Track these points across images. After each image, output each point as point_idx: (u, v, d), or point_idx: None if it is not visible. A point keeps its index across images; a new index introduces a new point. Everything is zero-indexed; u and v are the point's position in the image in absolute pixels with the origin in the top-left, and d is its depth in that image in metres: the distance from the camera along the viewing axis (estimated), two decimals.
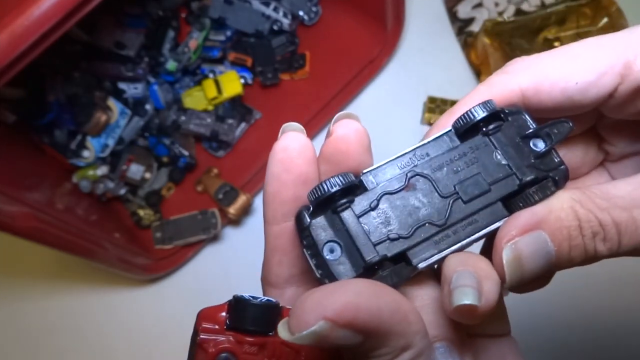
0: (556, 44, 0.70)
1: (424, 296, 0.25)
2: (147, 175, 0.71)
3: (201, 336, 0.22)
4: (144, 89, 0.70)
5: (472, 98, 0.26)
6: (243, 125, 0.74)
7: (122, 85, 0.69)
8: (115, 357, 0.69)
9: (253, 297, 0.23)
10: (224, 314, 0.23)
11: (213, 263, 0.71)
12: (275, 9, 0.74)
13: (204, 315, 0.23)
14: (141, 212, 0.71)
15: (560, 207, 0.23)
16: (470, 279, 0.22)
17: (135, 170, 0.69)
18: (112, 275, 0.67)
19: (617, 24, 0.68)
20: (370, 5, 0.73)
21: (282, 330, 0.20)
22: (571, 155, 0.29)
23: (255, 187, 0.72)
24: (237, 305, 0.23)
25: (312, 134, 0.74)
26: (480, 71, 0.74)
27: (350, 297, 0.20)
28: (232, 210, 0.68)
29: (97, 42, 0.68)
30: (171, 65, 0.71)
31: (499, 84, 0.26)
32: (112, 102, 0.67)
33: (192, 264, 0.71)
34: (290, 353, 0.23)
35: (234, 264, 0.71)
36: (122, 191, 0.70)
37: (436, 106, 0.73)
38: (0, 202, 0.46)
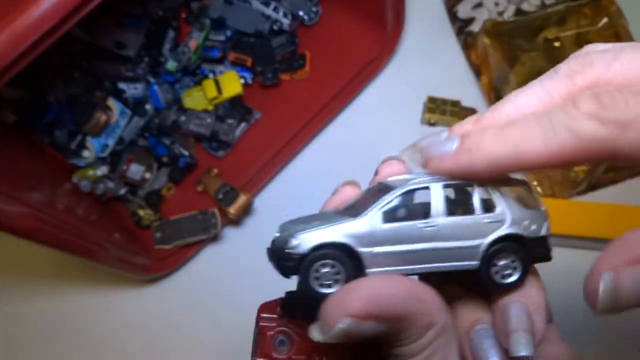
0: (556, 44, 0.70)
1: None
2: (147, 175, 0.71)
3: (261, 324, 0.27)
4: (144, 89, 0.70)
5: None
6: (243, 125, 0.74)
7: (122, 85, 0.69)
8: (115, 357, 0.69)
9: (304, 293, 0.26)
10: (278, 306, 0.28)
11: (213, 263, 0.71)
12: (275, 9, 0.74)
13: (262, 308, 0.28)
14: (141, 212, 0.71)
15: None
16: (525, 320, 0.24)
17: (135, 170, 0.69)
18: (112, 275, 0.67)
19: (617, 24, 0.68)
20: (370, 6, 0.73)
21: (314, 333, 0.22)
22: None
23: (255, 187, 0.72)
24: (289, 297, 0.28)
25: (312, 134, 0.74)
26: (480, 71, 0.74)
27: (366, 292, 0.22)
28: (232, 210, 0.68)
29: (97, 42, 0.68)
30: (171, 65, 0.71)
31: (590, 140, 0.22)
32: (112, 102, 0.67)
33: (192, 264, 0.71)
34: None
35: (234, 264, 0.71)
36: (122, 191, 0.70)
37: (436, 106, 0.73)
38: (0, 202, 0.46)
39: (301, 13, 0.76)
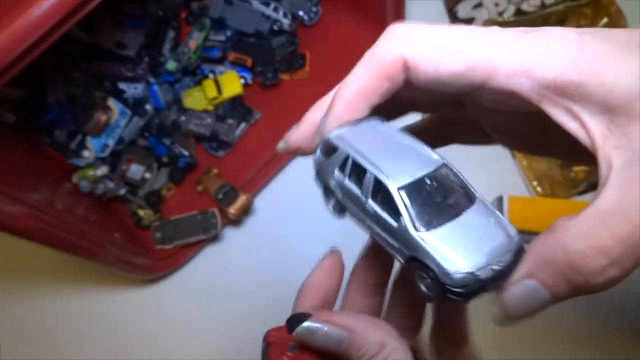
0: None
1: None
2: (147, 175, 0.71)
3: (273, 338, 0.30)
4: (144, 89, 0.70)
5: (360, 74, 0.29)
6: (243, 125, 0.74)
7: (122, 85, 0.69)
8: (115, 356, 0.69)
9: (304, 314, 0.30)
10: (285, 328, 0.31)
11: (213, 263, 0.71)
12: (275, 9, 0.74)
13: (270, 331, 0.31)
14: (141, 212, 0.71)
15: (552, 249, 0.22)
16: None
17: (135, 170, 0.69)
18: (112, 275, 0.67)
19: (617, 24, 0.68)
20: (370, 5, 0.73)
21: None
22: None
23: (255, 187, 0.72)
24: (291, 319, 0.30)
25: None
26: None
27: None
28: (232, 210, 0.68)
29: (97, 42, 0.68)
30: (171, 65, 0.71)
31: (384, 54, 0.27)
32: (112, 102, 0.66)
33: (192, 264, 0.71)
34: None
35: (234, 264, 0.71)
36: (122, 191, 0.70)
37: None
38: (0, 202, 0.46)
39: (301, 13, 0.76)
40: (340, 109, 0.28)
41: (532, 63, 0.23)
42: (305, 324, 0.29)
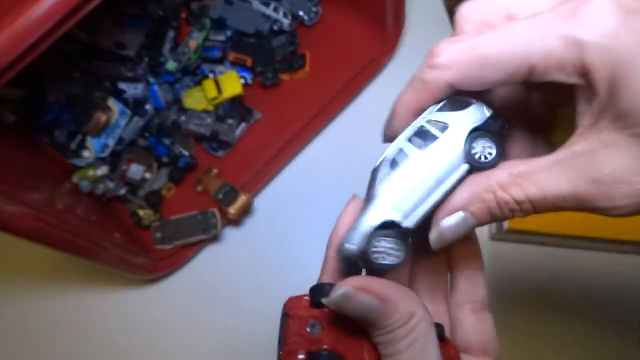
0: None
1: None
2: (147, 175, 0.71)
3: (295, 311, 0.30)
4: (144, 89, 0.70)
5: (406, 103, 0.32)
6: (243, 125, 0.74)
7: (122, 85, 0.69)
8: (115, 357, 0.69)
9: (329, 284, 0.30)
10: (307, 298, 0.30)
11: (213, 263, 0.71)
12: (275, 9, 0.74)
13: (291, 299, 0.30)
14: (141, 212, 0.71)
15: (485, 190, 0.28)
16: None
17: (135, 170, 0.69)
18: (112, 275, 0.67)
19: None
20: (370, 5, 0.73)
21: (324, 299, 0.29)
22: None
23: (255, 187, 0.72)
24: (315, 288, 0.31)
25: (312, 134, 0.74)
26: None
27: (359, 277, 0.29)
28: (232, 210, 0.68)
29: (97, 42, 0.68)
30: (171, 65, 0.71)
31: (431, 82, 0.30)
32: (112, 102, 0.67)
33: (192, 264, 0.71)
34: (356, 326, 0.30)
35: (234, 264, 0.71)
36: (122, 191, 0.70)
37: None
38: (0, 202, 0.46)
39: (301, 13, 0.76)
40: (395, 124, 0.32)
41: (569, 56, 0.25)
42: (342, 290, 0.28)
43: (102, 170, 0.67)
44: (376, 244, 0.30)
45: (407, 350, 0.28)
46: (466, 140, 0.29)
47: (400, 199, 0.30)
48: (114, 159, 0.69)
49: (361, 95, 0.76)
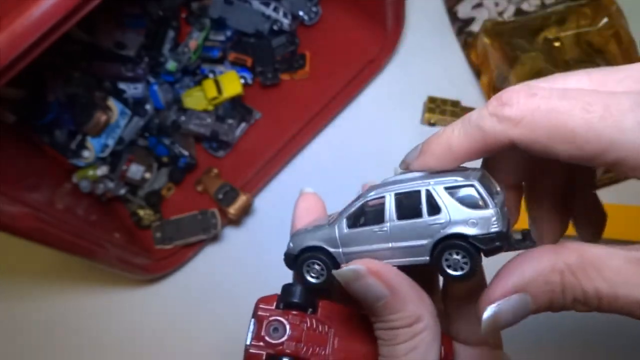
0: (556, 44, 0.70)
1: None
2: (147, 175, 0.71)
3: (259, 313, 0.30)
4: (144, 89, 0.70)
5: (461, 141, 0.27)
6: (243, 125, 0.74)
7: (122, 85, 0.69)
8: (115, 356, 0.69)
9: (298, 284, 0.31)
10: (274, 301, 0.31)
11: (213, 263, 0.71)
12: (275, 9, 0.74)
13: (260, 300, 0.31)
14: (141, 212, 0.71)
15: (551, 270, 0.24)
16: None
17: (135, 170, 0.69)
18: (112, 275, 0.67)
19: (617, 24, 0.68)
20: (370, 5, 0.73)
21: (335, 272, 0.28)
22: None
23: (255, 187, 0.72)
24: (285, 288, 0.31)
25: (312, 134, 0.74)
26: (480, 71, 0.74)
27: (370, 261, 0.28)
28: (232, 210, 0.68)
29: (97, 42, 0.68)
30: (171, 65, 0.71)
31: (491, 133, 0.26)
32: (112, 102, 0.67)
33: (192, 264, 0.71)
34: (324, 328, 0.31)
35: (234, 264, 0.71)
36: (122, 191, 0.70)
37: (436, 106, 0.73)
38: (0, 202, 0.46)
39: (301, 13, 0.76)
40: (425, 161, 0.28)
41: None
42: (354, 266, 0.27)
43: (102, 170, 0.67)
44: (313, 260, 0.31)
45: (405, 356, 0.27)
46: (444, 242, 0.27)
47: (347, 242, 0.30)
48: (114, 159, 0.69)
49: (361, 95, 0.76)
